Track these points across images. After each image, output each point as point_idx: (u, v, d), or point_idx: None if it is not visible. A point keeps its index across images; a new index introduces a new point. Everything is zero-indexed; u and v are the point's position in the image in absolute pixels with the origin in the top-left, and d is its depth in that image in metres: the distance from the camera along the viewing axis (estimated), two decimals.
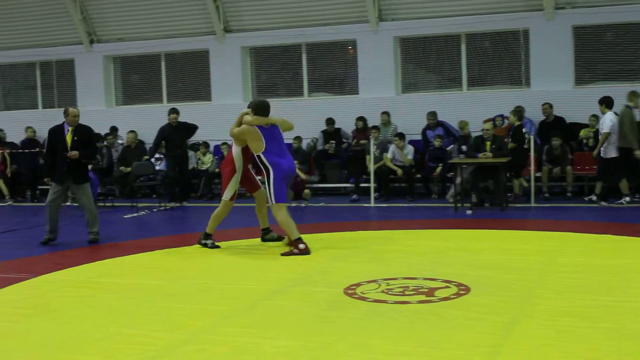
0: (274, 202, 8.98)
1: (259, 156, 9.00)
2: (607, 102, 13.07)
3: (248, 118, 9.05)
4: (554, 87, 15.31)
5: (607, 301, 6.06)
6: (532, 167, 13.53)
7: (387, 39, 16.59)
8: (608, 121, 12.75)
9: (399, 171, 14.78)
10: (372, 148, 14.72)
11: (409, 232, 10.14)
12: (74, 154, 10.11)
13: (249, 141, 9.08)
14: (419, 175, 14.98)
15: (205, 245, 9.49)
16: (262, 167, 9.04)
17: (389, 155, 15.01)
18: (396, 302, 6.24)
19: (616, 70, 15.58)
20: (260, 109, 9.10)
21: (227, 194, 9.43)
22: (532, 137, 13.70)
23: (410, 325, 5.55)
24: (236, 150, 9.40)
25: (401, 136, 15.06)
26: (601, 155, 12.88)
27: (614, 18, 15.15)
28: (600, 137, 12.96)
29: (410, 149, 15.06)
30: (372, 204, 14.08)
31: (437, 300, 6.25)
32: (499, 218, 11.82)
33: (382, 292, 6.61)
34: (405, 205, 13.89)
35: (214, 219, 9.55)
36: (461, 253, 8.57)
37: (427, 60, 16.98)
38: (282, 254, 8.83)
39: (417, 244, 9.41)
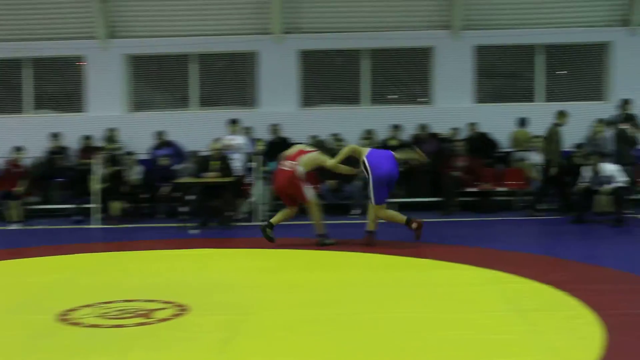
0: (373, 203, 9.70)
1: (363, 161, 9.72)
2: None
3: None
4: (281, 108, 15.82)
5: (321, 314, 6.29)
6: (257, 187, 13.80)
7: (117, 56, 16.25)
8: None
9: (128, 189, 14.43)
10: (99, 168, 14.22)
11: (132, 253, 9.90)
12: None
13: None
14: (146, 195, 14.67)
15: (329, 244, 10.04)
16: (364, 170, 9.77)
17: None
18: (112, 327, 6.03)
19: (339, 93, 16.50)
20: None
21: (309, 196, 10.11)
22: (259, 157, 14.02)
23: (126, 350, 5.39)
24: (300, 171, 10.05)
25: (130, 154, 14.77)
26: None
27: (336, 44, 16.11)
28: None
29: (138, 168, 14.75)
30: (99, 225, 13.60)
31: (155, 322, 6.12)
32: (225, 237, 11.91)
33: (98, 316, 6.36)
34: (130, 226, 13.51)
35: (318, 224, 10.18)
36: (183, 273, 8.52)
37: (157, 79, 16.84)
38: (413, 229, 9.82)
39: (140, 265, 9.22)
